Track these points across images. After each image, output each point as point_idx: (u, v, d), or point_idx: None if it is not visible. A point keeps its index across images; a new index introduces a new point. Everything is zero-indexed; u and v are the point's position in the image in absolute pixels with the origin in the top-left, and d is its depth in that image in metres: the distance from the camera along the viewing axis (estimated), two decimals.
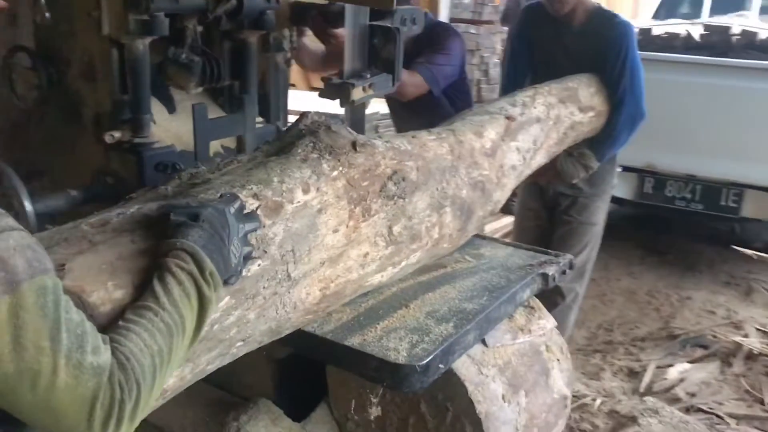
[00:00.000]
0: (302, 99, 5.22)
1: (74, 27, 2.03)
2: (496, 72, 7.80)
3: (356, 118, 1.86)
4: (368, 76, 1.83)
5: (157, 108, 2.11)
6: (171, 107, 2.26)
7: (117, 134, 2.00)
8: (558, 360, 1.99)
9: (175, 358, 1.00)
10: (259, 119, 2.35)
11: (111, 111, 2.04)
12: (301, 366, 1.89)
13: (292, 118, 2.70)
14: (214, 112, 2.24)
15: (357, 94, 1.78)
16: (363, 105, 1.88)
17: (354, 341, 1.56)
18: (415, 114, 3.09)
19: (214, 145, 2.17)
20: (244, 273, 1.22)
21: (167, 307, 0.97)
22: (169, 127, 2.21)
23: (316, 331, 1.60)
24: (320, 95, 1.81)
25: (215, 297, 1.06)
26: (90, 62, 2.07)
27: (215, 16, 2.11)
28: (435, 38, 2.87)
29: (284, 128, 2.56)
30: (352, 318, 1.66)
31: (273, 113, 2.46)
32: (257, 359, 1.66)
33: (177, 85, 2.19)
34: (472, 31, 7.40)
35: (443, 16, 6.45)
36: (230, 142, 2.34)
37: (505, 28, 7.82)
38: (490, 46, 7.73)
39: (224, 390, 1.94)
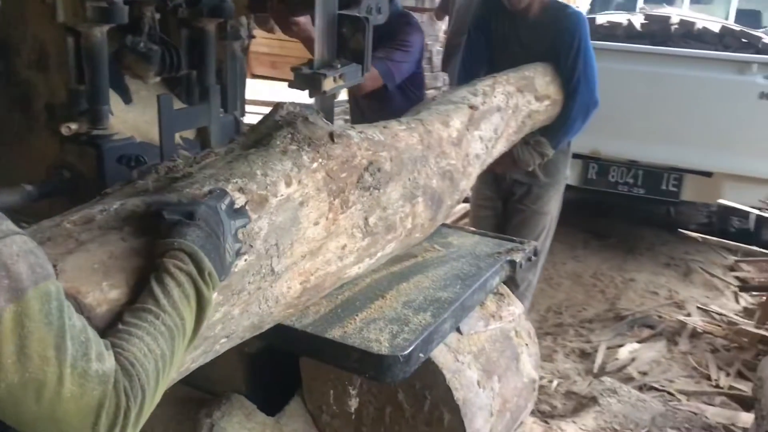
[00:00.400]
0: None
1: (25, 13, 1.95)
2: (438, 59, 7.84)
3: (325, 108, 1.84)
4: (338, 66, 1.81)
5: (112, 98, 2.04)
6: (127, 98, 2.19)
7: (74, 126, 1.93)
8: (527, 345, 2.03)
9: (176, 361, 0.97)
10: None
11: (66, 102, 1.96)
12: (273, 359, 1.87)
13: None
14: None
15: (328, 84, 1.76)
16: (333, 96, 1.86)
17: (335, 334, 1.55)
18: (367, 105, 3.09)
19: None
20: (231, 269, 1.19)
21: (168, 309, 0.94)
22: (125, 118, 2.14)
23: (295, 325, 1.58)
24: (290, 86, 1.78)
25: (213, 298, 1.03)
26: (42, 50, 1.98)
27: (174, 4, 2.05)
28: (396, 31, 2.86)
29: (242, 117, 2.52)
30: (329, 310, 1.65)
31: (231, 102, 2.41)
32: (228, 354, 1.63)
33: (135, 74, 2.12)
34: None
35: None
36: (189, 133, 2.28)
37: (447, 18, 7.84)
38: (433, 34, 7.76)
39: (194, 386, 1.90)
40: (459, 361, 1.75)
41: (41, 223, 1.12)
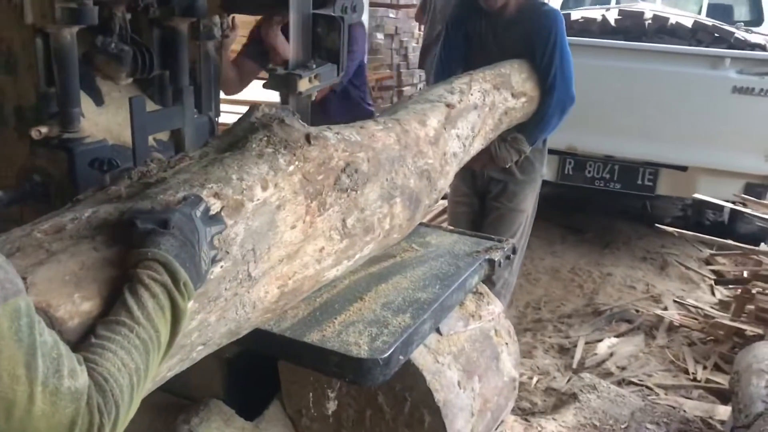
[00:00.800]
0: None
1: None
2: (414, 56, 7.85)
3: (301, 109, 1.82)
4: (314, 66, 1.79)
5: (83, 100, 2.00)
6: (98, 99, 2.15)
7: (44, 129, 1.89)
8: (506, 344, 2.04)
9: (150, 374, 0.95)
10: None
11: (36, 105, 1.92)
12: (251, 364, 1.85)
13: None
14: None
15: (303, 85, 1.75)
16: (308, 96, 1.84)
17: (313, 337, 1.54)
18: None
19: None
20: (207, 276, 1.17)
21: (142, 321, 0.92)
22: (97, 121, 2.10)
23: (274, 329, 1.56)
24: (265, 86, 1.77)
25: (188, 308, 1.01)
26: (10, 52, 1.94)
27: (145, 3, 2.02)
28: None
29: (217, 118, 2.49)
30: (308, 313, 1.63)
31: (205, 103, 2.38)
32: (205, 359, 1.61)
33: (106, 75, 2.09)
34: (391, 15, 7.41)
35: (364, 1, 6.38)
36: (163, 135, 2.25)
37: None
38: (409, 31, 7.76)
39: (171, 392, 1.87)
40: (439, 362, 1.74)
41: (11, 233, 1.09)
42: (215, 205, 1.23)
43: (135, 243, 1.00)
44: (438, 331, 1.80)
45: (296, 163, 1.47)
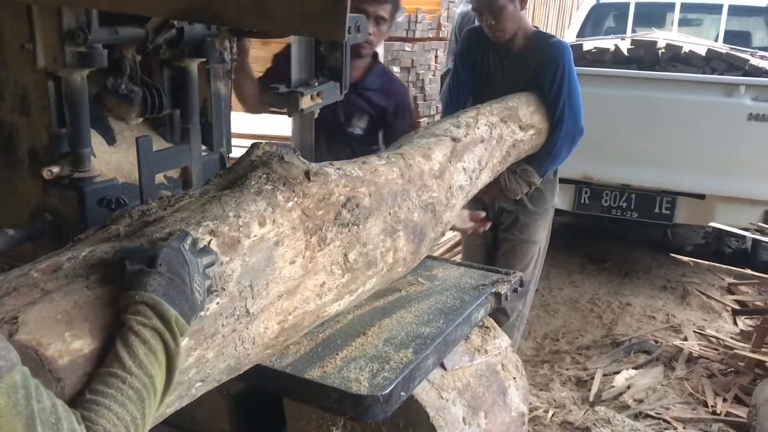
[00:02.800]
0: None
1: (6, 60, 1.96)
2: (431, 89, 7.92)
3: (304, 128, 1.85)
4: (316, 84, 1.83)
5: (95, 140, 2.05)
6: (110, 139, 2.20)
7: (56, 169, 1.93)
8: (514, 378, 2.02)
9: (148, 421, 0.96)
10: (203, 147, 2.31)
11: (48, 145, 1.97)
12: (258, 399, 1.86)
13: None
14: (155, 142, 2.19)
15: (306, 102, 1.78)
16: (311, 114, 1.87)
17: (314, 374, 1.54)
18: None
19: (157, 176, 2.12)
20: (202, 313, 1.19)
21: (134, 371, 0.94)
22: (109, 160, 2.15)
23: (275, 365, 1.57)
24: (267, 104, 1.80)
25: (182, 346, 1.03)
26: (24, 95, 1.99)
27: (155, 45, 2.07)
28: None
29: (228, 154, 2.53)
30: (310, 349, 1.64)
31: (216, 140, 2.42)
32: (212, 394, 1.62)
33: (117, 116, 2.14)
34: (407, 48, 7.49)
35: None
36: (173, 172, 2.29)
37: (441, 43, 7.92)
38: (425, 63, 7.84)
39: (178, 428, 1.88)
40: (443, 398, 1.73)
41: (10, 273, 1.12)
42: (212, 242, 1.25)
43: (125, 284, 1.02)
44: (442, 366, 1.79)
45: (295, 199, 1.49)
